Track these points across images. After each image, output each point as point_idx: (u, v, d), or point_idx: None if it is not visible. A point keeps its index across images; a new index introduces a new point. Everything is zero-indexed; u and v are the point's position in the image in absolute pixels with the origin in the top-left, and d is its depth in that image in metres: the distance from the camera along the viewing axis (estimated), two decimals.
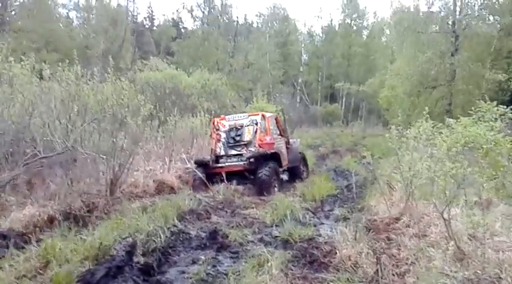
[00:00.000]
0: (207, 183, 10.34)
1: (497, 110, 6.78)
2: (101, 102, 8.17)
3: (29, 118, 8.10)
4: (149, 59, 28.25)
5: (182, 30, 59.73)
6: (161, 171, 10.86)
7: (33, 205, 6.98)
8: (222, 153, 12.07)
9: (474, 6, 25.55)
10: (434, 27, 26.67)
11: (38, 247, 5.38)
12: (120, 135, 8.69)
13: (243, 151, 11.82)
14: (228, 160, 11.87)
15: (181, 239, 6.20)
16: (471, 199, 6.10)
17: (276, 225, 7.13)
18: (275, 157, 11.83)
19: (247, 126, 12.17)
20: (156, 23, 70.04)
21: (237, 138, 12.06)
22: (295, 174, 13.42)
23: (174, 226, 6.55)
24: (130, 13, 54.30)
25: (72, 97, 7.90)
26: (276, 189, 11.11)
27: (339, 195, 10.46)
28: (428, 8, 26.91)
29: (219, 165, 11.75)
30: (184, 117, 14.54)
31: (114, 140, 8.34)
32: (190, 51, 46.17)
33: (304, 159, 14.51)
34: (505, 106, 6.73)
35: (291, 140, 13.98)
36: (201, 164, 11.55)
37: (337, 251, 5.50)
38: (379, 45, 56.04)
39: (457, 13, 25.55)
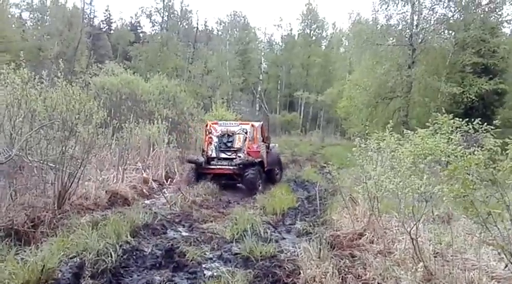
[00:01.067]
0: (197, 180, 12.47)
1: (454, 122, 6.74)
2: (49, 108, 7.61)
3: None
4: (105, 63, 27.34)
5: (140, 34, 58.78)
6: (115, 181, 10.32)
7: None
8: (214, 155, 13.27)
9: (430, 20, 26.17)
10: (392, 39, 27.19)
11: None
12: (71, 143, 8.15)
13: (233, 156, 13.14)
14: (219, 163, 13.13)
15: (134, 258, 5.77)
16: (433, 213, 6.01)
17: (236, 241, 6.83)
18: (258, 163, 13.22)
19: (238, 134, 13.54)
20: (113, 26, 68.73)
21: (229, 144, 13.43)
22: (272, 175, 14.65)
23: (127, 243, 6.11)
24: (86, 15, 53.02)
25: (17, 102, 7.31)
26: (260, 188, 12.65)
27: (299, 208, 10.27)
28: (387, 20, 27.47)
29: (211, 166, 13.01)
30: (141, 124, 13.98)
31: (64, 148, 7.80)
32: (149, 56, 45.43)
33: (279, 162, 15.96)
34: (460, 119, 6.69)
35: (270, 145, 15.20)
36: (193, 163, 13.09)
37: (301, 271, 5.25)
38: (337, 55, 57.03)
39: (414, 27, 26.15)
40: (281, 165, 16.15)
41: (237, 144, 13.36)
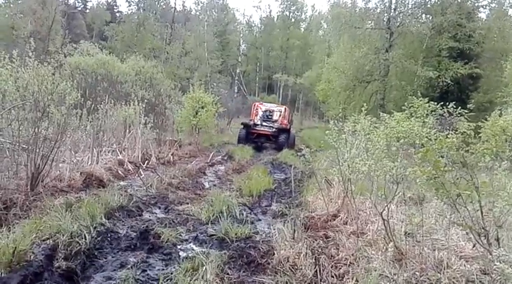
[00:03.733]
0: (247, 138, 20.21)
1: (429, 106, 6.84)
2: (21, 88, 7.43)
3: None
4: (80, 42, 26.77)
5: (117, 14, 57.75)
6: (89, 162, 10.17)
7: None
8: (258, 122, 20.93)
9: (408, 4, 26.36)
10: (370, 23, 27.29)
11: None
12: (44, 124, 7.98)
13: (271, 124, 20.64)
14: (262, 128, 20.64)
15: (109, 239, 5.73)
16: (405, 194, 6.11)
17: (212, 222, 6.84)
18: (288, 131, 20.65)
19: (276, 111, 21.48)
20: (89, 5, 67.48)
21: (270, 117, 21.15)
22: (281, 142, 20.02)
23: (102, 225, 6.05)
24: None
25: None
26: (285, 147, 18.86)
27: (276, 190, 10.34)
28: (365, 4, 27.60)
29: (257, 128, 20.66)
30: (116, 105, 13.77)
31: (37, 130, 7.64)
32: (125, 36, 44.65)
33: (294, 140, 21.85)
34: (436, 103, 6.79)
35: (292, 129, 22.87)
36: (246, 126, 20.74)
37: (275, 252, 5.31)
38: (316, 38, 57.09)
39: (392, 10, 26.27)
40: (294, 140, 22.00)
41: (275, 117, 21.05)
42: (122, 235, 5.94)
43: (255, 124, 20.60)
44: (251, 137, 20.41)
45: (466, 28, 24.00)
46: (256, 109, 21.43)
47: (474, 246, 4.70)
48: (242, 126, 20.90)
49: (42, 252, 4.88)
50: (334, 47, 34.87)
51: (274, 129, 20.03)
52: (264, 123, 20.61)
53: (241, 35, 63.59)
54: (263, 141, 20.59)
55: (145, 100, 15.49)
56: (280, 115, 21.06)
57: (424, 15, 27.43)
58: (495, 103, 21.10)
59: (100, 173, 9.49)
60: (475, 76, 24.78)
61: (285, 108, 21.87)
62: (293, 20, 61.05)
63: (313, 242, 5.66)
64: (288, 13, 60.21)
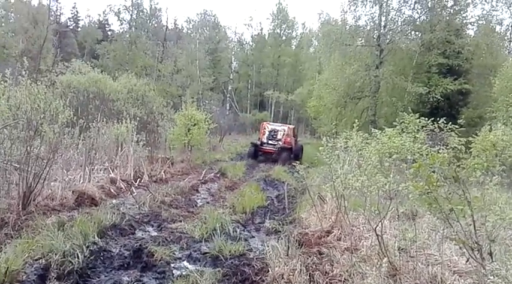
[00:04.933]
0: (256, 155, 23.31)
1: (420, 122, 6.92)
2: (13, 107, 7.42)
3: None
4: (72, 61, 26.80)
5: (109, 32, 57.91)
6: (81, 181, 10.12)
7: None
8: (265, 141, 23.56)
9: (398, 21, 26.67)
10: (361, 40, 27.58)
11: None
12: (36, 143, 7.96)
13: (276, 143, 23.11)
14: (268, 146, 23.29)
15: (102, 258, 5.69)
16: (398, 210, 6.13)
17: (205, 240, 6.82)
18: (290, 149, 22.99)
19: (279, 130, 23.83)
20: (80, 24, 67.65)
21: (274, 136, 23.52)
22: (297, 156, 22.23)
23: (94, 243, 6.01)
24: (52, 12, 51.90)
25: None
26: (288, 161, 19.86)
27: (269, 206, 10.32)
28: (355, 21, 27.83)
29: (263, 147, 23.45)
30: (109, 123, 13.75)
31: (29, 148, 7.62)
32: (117, 54, 44.76)
33: (302, 149, 24.47)
34: (426, 118, 6.88)
35: (298, 141, 26.06)
36: (254, 145, 23.73)
37: (270, 269, 5.30)
38: (307, 55, 57.46)
39: (382, 28, 26.60)
40: (302, 151, 24.33)
41: (279, 136, 23.40)
42: (115, 254, 5.89)
43: (262, 143, 23.52)
44: (258, 154, 23.68)
45: (454, 45, 24.33)
46: (264, 128, 24.20)
47: (467, 261, 4.71)
48: (251, 145, 24.25)
49: (34, 272, 4.85)
50: (325, 64, 35.09)
51: (278, 148, 22.69)
52: (269, 142, 23.39)
53: (233, 53, 64.01)
54: (268, 157, 23.08)
55: (138, 118, 15.50)
56: (283, 134, 23.48)
57: (413, 32, 27.79)
58: (485, 118, 21.31)
59: (92, 191, 9.43)
60: (465, 92, 25.06)
61: (288, 127, 24.81)
62: (284, 37, 61.53)
63: (307, 258, 5.65)
64: (279, 31, 60.70)
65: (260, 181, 14.69)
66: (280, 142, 23.09)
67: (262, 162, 22.44)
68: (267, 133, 23.77)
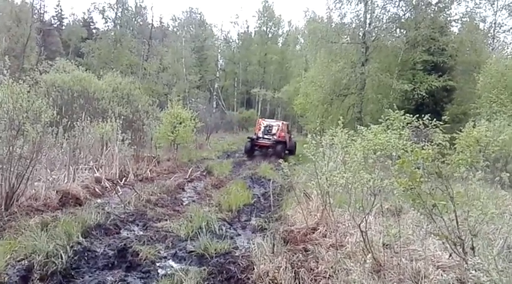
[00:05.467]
0: (253, 149, 24.67)
1: (405, 119, 6.96)
2: None
3: None
4: (56, 59, 26.49)
5: (93, 30, 57.31)
6: (66, 181, 10.01)
7: None
8: (261, 136, 25.02)
9: (383, 19, 26.78)
10: (346, 38, 27.63)
11: None
12: (19, 142, 7.85)
13: (271, 137, 24.67)
14: (263, 140, 24.67)
15: (86, 258, 5.64)
16: (383, 206, 6.17)
17: (191, 239, 6.80)
18: (284, 142, 24.81)
19: (274, 126, 25.61)
20: (65, 22, 66.89)
21: (269, 131, 25.13)
22: (291, 152, 25.60)
23: (79, 244, 5.96)
24: (36, 11, 51.22)
25: None
26: (283, 155, 22.82)
27: (255, 204, 10.32)
28: (341, 19, 27.88)
29: (259, 141, 24.74)
30: (93, 122, 13.62)
31: (11, 148, 7.51)
32: (102, 52, 44.38)
33: (295, 145, 26.54)
34: (411, 115, 6.93)
35: (291, 137, 27.96)
36: (251, 139, 24.88)
37: (255, 267, 5.29)
38: (293, 53, 57.53)
39: (367, 25, 26.69)
40: (296, 147, 26.39)
41: (274, 131, 25.09)
42: (100, 254, 5.85)
43: (258, 138, 25.08)
44: (255, 148, 24.98)
45: (439, 42, 24.50)
46: (260, 124, 26.12)
47: (450, 255, 4.76)
48: (248, 140, 25.48)
49: (17, 273, 4.79)
50: (311, 62, 35.18)
51: (273, 141, 24.41)
52: (265, 136, 25.05)
53: (219, 51, 63.76)
54: (265, 151, 24.48)
55: (123, 117, 15.38)
56: (278, 129, 25.36)
57: (398, 30, 27.92)
58: (469, 114, 21.52)
59: (77, 191, 9.35)
60: (449, 88, 25.25)
61: (282, 123, 26.74)
62: (270, 35, 61.47)
63: (293, 256, 5.65)
64: (265, 28, 60.62)
65: (247, 179, 14.68)
66: (274, 137, 24.84)
67: (258, 156, 24.00)
68: (262, 128, 25.55)
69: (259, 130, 25.64)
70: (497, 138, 6.72)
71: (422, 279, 4.42)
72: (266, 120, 28.09)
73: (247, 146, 25.31)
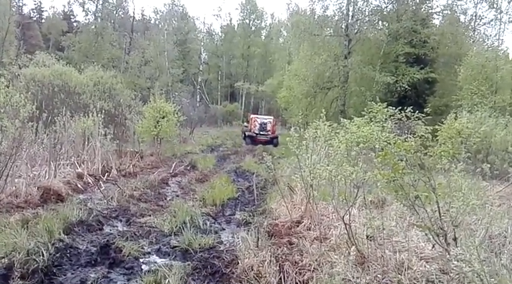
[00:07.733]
0: (252, 141, 30.01)
1: (387, 111, 6.99)
2: None
3: None
4: (36, 53, 26.08)
5: (74, 24, 56.54)
6: (47, 177, 9.87)
7: None
8: (257, 132, 30.55)
9: (365, 11, 26.90)
10: (329, 30, 27.71)
11: None
12: None
13: (266, 133, 30.63)
14: (261, 136, 30.32)
15: (68, 255, 5.54)
16: (367, 198, 6.19)
17: (175, 234, 6.74)
18: (276, 137, 30.22)
19: (267, 122, 31.43)
20: (44, 15, 65.87)
21: (264, 128, 30.95)
22: (275, 143, 29.56)
23: (60, 240, 5.86)
24: (15, 3, 50.30)
25: None
26: (274, 145, 28.82)
27: (239, 198, 10.29)
28: (324, 11, 27.91)
29: (258, 138, 30.05)
30: (75, 117, 13.43)
31: None
32: (83, 46, 43.83)
33: (277, 138, 30.29)
34: (394, 108, 6.96)
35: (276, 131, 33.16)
36: (250, 136, 30.30)
37: (239, 261, 5.27)
38: (277, 46, 57.51)
39: (350, 18, 26.78)
40: (278, 138, 30.09)
41: (268, 128, 31.03)
42: (82, 251, 5.76)
43: (256, 134, 30.60)
44: (254, 143, 29.51)
45: (421, 34, 24.73)
46: (254, 121, 31.56)
47: (433, 246, 4.80)
48: (243, 135, 31.83)
49: None
50: (295, 55, 35.24)
51: (269, 137, 30.32)
52: (261, 133, 30.68)
53: (202, 44, 63.46)
54: (263, 144, 28.78)
55: (105, 111, 15.20)
56: (271, 125, 31.41)
57: (380, 22, 28.11)
58: (451, 106, 21.78)
59: (58, 187, 9.21)
60: (431, 80, 25.54)
61: (273, 119, 33.27)
62: (253, 28, 61.38)
63: (277, 249, 5.64)
64: (248, 21, 60.49)
65: (231, 173, 14.66)
66: (269, 132, 30.96)
67: (244, 149, 26.39)
68: (257, 125, 31.00)
69: (255, 127, 31.03)
70: (479, 130, 6.79)
71: (405, 270, 4.45)
72: (258, 116, 34.18)
73: (247, 141, 30.42)
